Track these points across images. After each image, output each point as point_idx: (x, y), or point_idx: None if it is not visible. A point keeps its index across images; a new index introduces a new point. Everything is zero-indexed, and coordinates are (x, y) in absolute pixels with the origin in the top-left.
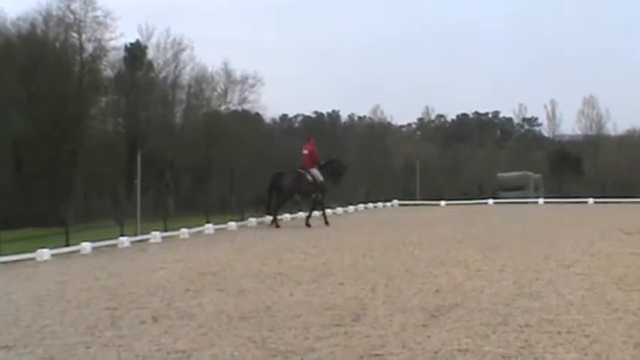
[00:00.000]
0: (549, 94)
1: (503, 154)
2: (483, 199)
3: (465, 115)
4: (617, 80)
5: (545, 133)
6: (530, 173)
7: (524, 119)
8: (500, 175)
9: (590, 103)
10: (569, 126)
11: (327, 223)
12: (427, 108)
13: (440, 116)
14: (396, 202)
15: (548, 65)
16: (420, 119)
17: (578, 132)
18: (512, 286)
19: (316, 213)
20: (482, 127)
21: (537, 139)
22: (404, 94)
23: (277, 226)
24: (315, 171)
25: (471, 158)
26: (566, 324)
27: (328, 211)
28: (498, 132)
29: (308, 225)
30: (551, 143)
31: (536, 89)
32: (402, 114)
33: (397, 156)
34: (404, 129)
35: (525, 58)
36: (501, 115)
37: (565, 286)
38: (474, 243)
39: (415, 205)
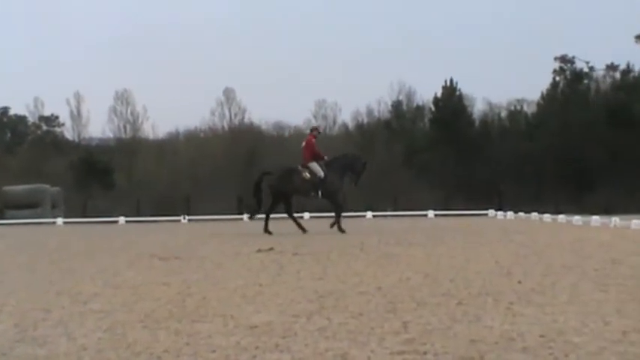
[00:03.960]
0: (73, 87)
1: (15, 162)
2: None
3: None
4: (157, 72)
5: (69, 135)
6: (46, 186)
7: (41, 118)
8: (6, 188)
9: (123, 98)
10: (100, 127)
11: (333, 225)
12: None
13: None
14: None
15: (65, 48)
16: None
17: (110, 135)
18: (13, 330)
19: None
20: None
21: (58, 144)
22: None
23: (269, 233)
24: (314, 165)
25: None
26: None
27: None
28: (8, 134)
29: (341, 230)
30: (76, 149)
31: (56, 80)
32: None
33: None
34: None
35: (76, 38)
36: (12, 112)
37: (79, 327)
38: None
39: None
